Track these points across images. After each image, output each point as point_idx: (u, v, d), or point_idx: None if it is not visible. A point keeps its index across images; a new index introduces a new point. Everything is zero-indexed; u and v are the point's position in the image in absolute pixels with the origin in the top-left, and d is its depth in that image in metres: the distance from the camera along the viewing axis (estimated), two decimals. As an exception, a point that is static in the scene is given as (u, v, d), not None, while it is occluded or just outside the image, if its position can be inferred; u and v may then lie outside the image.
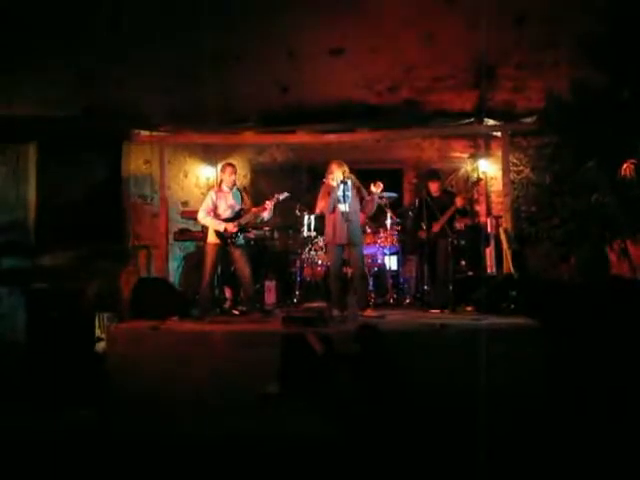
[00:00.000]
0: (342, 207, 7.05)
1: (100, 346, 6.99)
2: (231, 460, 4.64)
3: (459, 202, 7.81)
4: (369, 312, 7.00)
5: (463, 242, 8.34)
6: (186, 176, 9.75)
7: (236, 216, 7.29)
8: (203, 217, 7.29)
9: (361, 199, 7.21)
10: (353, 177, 7.15)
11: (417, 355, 5.66)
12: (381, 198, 7.85)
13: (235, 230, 7.19)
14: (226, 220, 7.23)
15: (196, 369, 5.88)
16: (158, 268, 9.11)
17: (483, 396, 4.99)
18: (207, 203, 7.32)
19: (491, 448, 4.36)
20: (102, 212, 9.30)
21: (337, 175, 7.05)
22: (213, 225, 7.22)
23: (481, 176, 9.17)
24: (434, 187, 7.92)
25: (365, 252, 7.78)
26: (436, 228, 7.61)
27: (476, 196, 9.45)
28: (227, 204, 7.33)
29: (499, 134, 8.91)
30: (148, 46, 7.05)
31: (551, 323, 5.97)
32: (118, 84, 7.82)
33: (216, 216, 7.26)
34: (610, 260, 7.57)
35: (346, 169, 7.11)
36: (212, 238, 7.26)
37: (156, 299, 7.22)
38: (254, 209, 7.37)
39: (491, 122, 8.79)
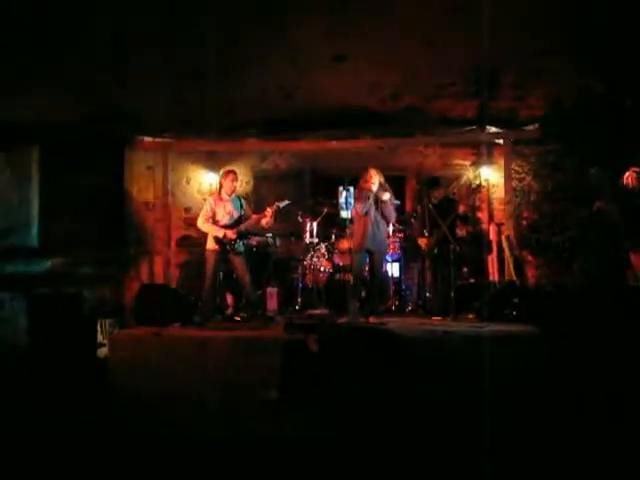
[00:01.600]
0: (344, 214, 7.09)
1: (102, 352, 6.99)
2: (232, 466, 4.63)
3: (460, 209, 7.83)
4: (372, 319, 7.00)
5: (465, 249, 8.34)
6: (189, 182, 9.77)
7: (235, 223, 7.31)
8: (202, 223, 7.32)
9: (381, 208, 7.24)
10: (382, 188, 7.18)
11: (419, 361, 5.65)
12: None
13: (234, 237, 7.21)
14: (225, 227, 7.25)
15: (198, 375, 5.88)
16: (160, 274, 9.13)
17: (485, 402, 4.99)
18: (206, 210, 7.35)
19: (492, 452, 4.35)
20: (105, 218, 9.32)
21: (375, 180, 7.09)
22: (212, 231, 7.24)
23: (483, 183, 9.17)
24: (436, 194, 7.94)
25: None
26: (437, 236, 7.62)
27: (478, 203, 9.45)
28: (225, 211, 7.35)
29: (501, 142, 8.93)
30: (151, 52, 7.07)
31: (553, 330, 5.96)
32: (121, 90, 7.84)
33: (215, 223, 7.28)
34: (612, 268, 7.56)
35: (382, 177, 7.18)
36: (211, 245, 7.28)
37: (158, 305, 7.24)
38: (254, 216, 7.40)
39: (493, 130, 8.81)
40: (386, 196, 7.10)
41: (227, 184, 7.39)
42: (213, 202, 7.36)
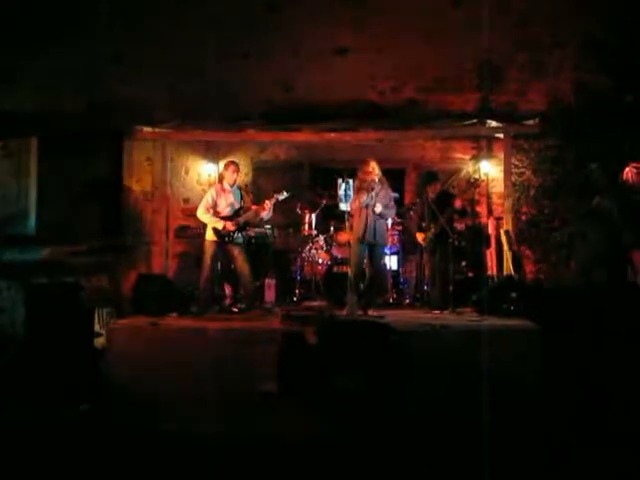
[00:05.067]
0: (343, 206, 7.06)
1: (99, 341, 6.99)
2: (228, 457, 4.64)
3: (457, 203, 7.81)
4: (370, 312, 7.01)
5: (464, 243, 8.34)
6: (187, 173, 9.74)
7: (235, 214, 7.30)
8: (202, 214, 7.31)
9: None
10: (380, 180, 7.17)
11: (417, 355, 5.66)
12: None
13: (233, 228, 7.21)
14: (225, 218, 7.24)
15: (195, 366, 5.89)
16: (158, 264, 9.12)
17: (482, 396, 5.00)
18: (207, 200, 7.34)
19: (488, 446, 4.36)
20: (103, 207, 9.30)
21: (377, 171, 7.10)
22: (212, 222, 7.24)
23: (482, 177, 9.15)
24: (432, 189, 7.92)
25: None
26: (435, 229, 7.61)
27: (477, 197, 9.44)
28: (227, 202, 7.34)
29: (501, 136, 8.91)
30: (152, 42, 7.06)
31: (550, 325, 5.97)
32: (121, 80, 7.82)
33: (215, 213, 7.28)
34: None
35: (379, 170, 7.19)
36: (210, 235, 7.28)
37: (156, 295, 7.24)
38: (254, 207, 7.40)
39: (493, 124, 8.78)
40: (378, 209, 7.08)
41: (228, 175, 7.39)
42: (215, 193, 7.36)
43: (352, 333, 5.72)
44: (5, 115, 8.33)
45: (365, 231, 7.03)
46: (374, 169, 7.08)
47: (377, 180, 7.10)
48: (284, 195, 7.40)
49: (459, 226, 8.08)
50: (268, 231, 8.69)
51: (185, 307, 7.32)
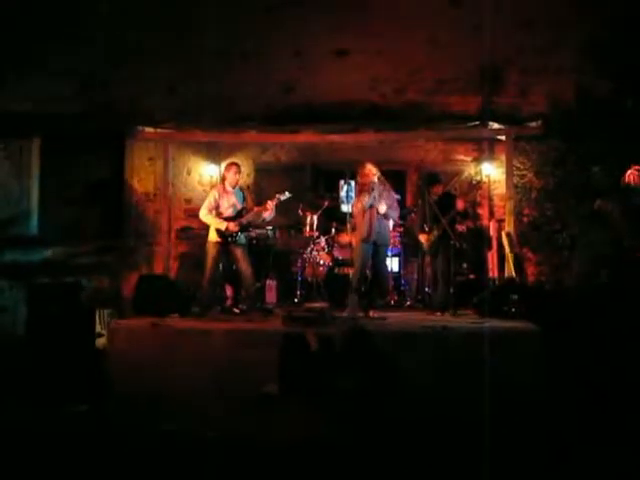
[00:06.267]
0: (344, 207, 7.06)
1: (100, 342, 7.00)
2: (229, 458, 4.64)
3: (459, 205, 7.81)
4: (371, 313, 7.01)
5: (465, 245, 8.33)
6: (189, 174, 9.75)
7: (238, 215, 7.31)
8: (204, 215, 7.32)
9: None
10: (380, 182, 7.18)
11: (418, 356, 5.66)
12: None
13: (236, 229, 7.21)
14: (228, 219, 7.25)
15: (196, 367, 5.89)
16: (159, 265, 9.12)
17: (483, 398, 5.00)
18: (209, 201, 7.35)
19: (489, 446, 4.36)
20: (104, 208, 9.32)
21: (375, 171, 7.14)
22: (214, 223, 7.24)
23: (484, 179, 9.15)
24: (435, 191, 7.92)
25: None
26: (437, 231, 7.61)
27: (479, 199, 9.44)
28: (229, 203, 7.35)
29: (503, 138, 8.91)
30: (153, 43, 7.06)
31: (551, 328, 5.97)
32: (123, 81, 7.83)
33: (218, 214, 7.29)
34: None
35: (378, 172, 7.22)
36: (213, 236, 7.28)
37: (157, 296, 7.24)
38: (256, 209, 7.40)
39: (495, 126, 8.78)
40: (383, 209, 7.10)
41: (230, 176, 7.40)
42: (218, 194, 7.37)
43: (352, 335, 5.71)
44: (7, 116, 8.34)
45: (370, 231, 7.03)
46: (371, 171, 7.10)
47: (376, 181, 7.10)
48: (286, 195, 7.42)
49: (460, 228, 8.06)
50: (270, 232, 8.69)
51: (186, 308, 7.32)
